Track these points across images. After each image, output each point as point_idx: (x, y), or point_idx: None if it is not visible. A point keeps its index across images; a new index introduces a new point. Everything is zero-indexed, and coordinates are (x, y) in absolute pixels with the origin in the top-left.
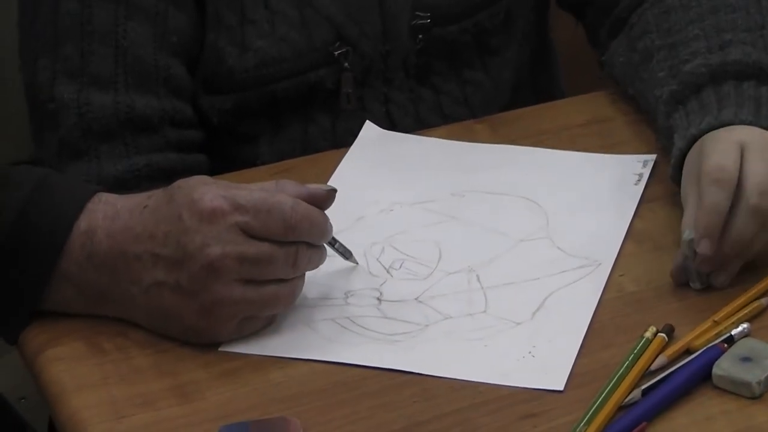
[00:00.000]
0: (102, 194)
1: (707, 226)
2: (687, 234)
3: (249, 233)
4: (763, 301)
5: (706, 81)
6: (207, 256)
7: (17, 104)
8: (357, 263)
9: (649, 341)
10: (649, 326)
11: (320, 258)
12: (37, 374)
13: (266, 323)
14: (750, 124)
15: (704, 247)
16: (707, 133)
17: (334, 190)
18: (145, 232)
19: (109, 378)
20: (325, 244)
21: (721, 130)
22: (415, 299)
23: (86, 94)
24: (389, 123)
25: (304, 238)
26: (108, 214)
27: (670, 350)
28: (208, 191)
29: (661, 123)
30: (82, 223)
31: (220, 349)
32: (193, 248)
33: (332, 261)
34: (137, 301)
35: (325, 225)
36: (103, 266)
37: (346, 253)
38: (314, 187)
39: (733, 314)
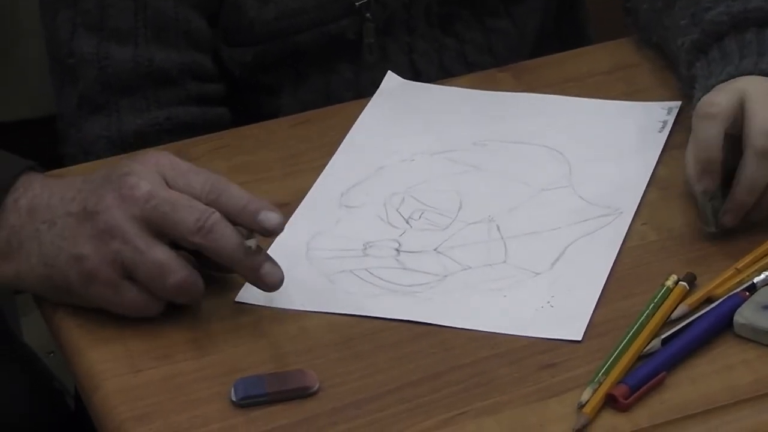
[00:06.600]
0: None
1: (704, 160)
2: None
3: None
4: None
5: (727, 29)
6: (123, 186)
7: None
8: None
9: (670, 290)
10: (670, 275)
11: (235, 234)
12: (55, 329)
13: (154, 308)
14: None
15: (707, 184)
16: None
17: None
18: (74, 190)
19: (125, 332)
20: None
21: (726, 82)
22: (434, 250)
23: (106, 48)
24: (413, 73)
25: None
26: (48, 179)
27: (692, 299)
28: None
29: (683, 72)
30: (21, 185)
31: (236, 300)
32: (117, 180)
33: (350, 212)
34: (41, 240)
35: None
36: (25, 209)
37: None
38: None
39: (755, 262)
